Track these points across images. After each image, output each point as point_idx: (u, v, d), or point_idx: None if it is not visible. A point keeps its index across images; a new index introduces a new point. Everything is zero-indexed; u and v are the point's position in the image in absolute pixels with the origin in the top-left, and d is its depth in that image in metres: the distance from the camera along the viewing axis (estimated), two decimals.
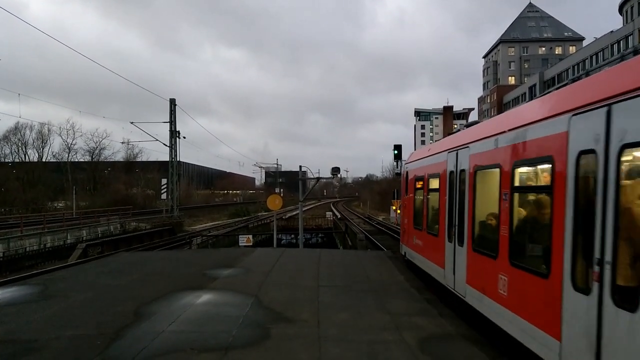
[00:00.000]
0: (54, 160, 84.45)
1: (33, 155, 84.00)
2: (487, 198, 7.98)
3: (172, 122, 48.53)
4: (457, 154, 9.90)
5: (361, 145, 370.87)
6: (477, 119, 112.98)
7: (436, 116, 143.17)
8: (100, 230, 39.11)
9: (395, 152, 24.56)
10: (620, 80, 4.79)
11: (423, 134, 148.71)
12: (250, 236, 27.57)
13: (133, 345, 7.11)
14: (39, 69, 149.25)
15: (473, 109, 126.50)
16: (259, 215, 67.09)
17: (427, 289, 11.41)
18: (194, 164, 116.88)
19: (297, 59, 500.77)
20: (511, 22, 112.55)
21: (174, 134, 48.97)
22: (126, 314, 8.94)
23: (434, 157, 12.04)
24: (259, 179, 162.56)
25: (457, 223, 9.58)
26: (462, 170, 9.44)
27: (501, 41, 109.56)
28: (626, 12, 67.47)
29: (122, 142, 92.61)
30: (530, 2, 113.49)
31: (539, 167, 6.41)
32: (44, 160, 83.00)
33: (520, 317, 6.45)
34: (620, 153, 4.52)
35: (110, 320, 8.46)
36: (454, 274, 9.63)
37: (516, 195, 6.94)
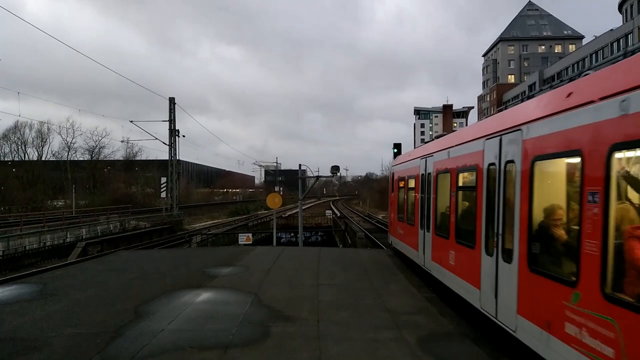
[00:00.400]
0: (54, 159, 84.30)
1: (32, 154, 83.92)
2: (444, 195, 10.63)
3: (172, 120, 48.44)
4: (426, 160, 12.59)
5: (361, 144, 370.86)
6: (476, 117, 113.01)
7: (436, 115, 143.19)
8: (100, 228, 39.10)
9: (395, 150, 24.52)
10: (506, 120, 7.53)
11: (423, 133, 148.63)
12: (250, 235, 27.50)
13: (133, 343, 7.11)
14: (37, 68, 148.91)
15: (472, 107, 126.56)
16: (258, 213, 67.13)
17: (428, 287, 11.42)
18: (194, 163, 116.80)
19: (296, 57, 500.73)
20: (511, 20, 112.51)
21: (173, 132, 48.88)
22: (126, 312, 8.95)
23: (412, 161, 14.55)
24: (259, 177, 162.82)
25: (426, 214, 12.26)
26: (429, 174, 12.13)
27: (501, 39, 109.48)
28: (626, 10, 67.42)
29: (122, 141, 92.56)
30: (530, 1, 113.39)
31: (470, 173, 9.02)
32: (43, 159, 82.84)
33: (461, 278, 9.14)
34: (505, 166, 7.18)
35: (110, 319, 8.46)
36: (424, 254, 12.29)
37: (459, 192, 9.67)
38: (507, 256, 6.83)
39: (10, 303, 9.86)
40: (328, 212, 54.31)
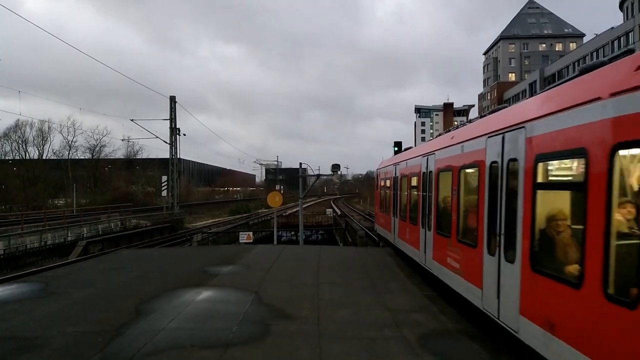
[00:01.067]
0: (55, 158, 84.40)
1: (33, 153, 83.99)
2: (405, 191, 15.56)
3: (173, 119, 48.38)
4: (395, 167, 17.74)
5: (361, 142, 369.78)
6: (477, 115, 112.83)
7: (436, 113, 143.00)
8: (101, 227, 39.13)
9: (396, 149, 24.54)
10: (431, 146, 12.44)
11: (423, 131, 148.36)
12: (251, 233, 27.53)
13: (134, 342, 7.13)
14: (36, 66, 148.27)
15: (473, 105, 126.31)
16: (259, 212, 67.09)
17: (428, 286, 11.44)
18: (194, 161, 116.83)
19: (296, 56, 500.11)
20: (511, 18, 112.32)
21: (174, 131, 48.84)
22: (127, 310, 8.97)
23: (388, 167, 19.83)
24: (259, 176, 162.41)
25: (397, 206, 17.03)
26: (397, 176, 17.24)
27: (501, 38, 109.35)
28: (627, 8, 67.26)
29: (123, 140, 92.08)
30: None
31: (416, 177, 13.68)
32: (44, 157, 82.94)
33: (411, 246, 13.93)
34: (429, 173, 11.97)
35: (111, 317, 8.49)
36: (394, 234, 17.38)
37: (412, 190, 14.41)
38: (429, 227, 11.67)
39: (12, 302, 9.90)
40: (328, 211, 54.27)
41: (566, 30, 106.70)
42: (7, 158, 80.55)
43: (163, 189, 52.09)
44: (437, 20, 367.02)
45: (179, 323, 8.16)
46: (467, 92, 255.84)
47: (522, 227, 6.30)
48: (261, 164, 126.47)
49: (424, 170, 12.52)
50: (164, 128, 49.02)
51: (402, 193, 15.91)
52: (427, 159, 12.17)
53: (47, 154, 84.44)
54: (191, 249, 24.61)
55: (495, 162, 7.38)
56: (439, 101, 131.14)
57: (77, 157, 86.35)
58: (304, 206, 32.22)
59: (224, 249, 22.64)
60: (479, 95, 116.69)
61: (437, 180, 11.14)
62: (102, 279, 12.42)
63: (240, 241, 26.25)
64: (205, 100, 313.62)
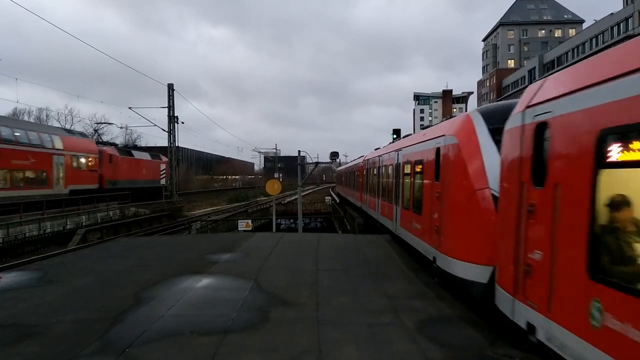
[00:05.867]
0: None
1: None
2: (347, 178, 39.56)
3: (171, 107, 48.16)
4: (347, 168, 39.12)
5: (359, 129, 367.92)
6: (476, 103, 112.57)
7: (435, 100, 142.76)
8: (100, 215, 39.02)
9: (394, 136, 24.60)
10: (373, 155, 25.45)
11: (422, 118, 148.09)
12: (250, 221, 27.59)
13: (133, 329, 7.16)
14: (21, 51, 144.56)
15: (472, 92, 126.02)
16: (258, 200, 67.17)
17: (425, 272, 11.48)
18: (193, 149, 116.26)
19: (287, 39, 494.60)
20: (510, 4, 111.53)
21: (173, 119, 48.67)
22: (126, 298, 9.00)
23: (344, 168, 45.82)
24: (258, 164, 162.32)
25: (345, 183, 39.30)
26: (343, 173, 45.94)
27: (500, 24, 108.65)
28: None
29: (121, 127, 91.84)
30: None
31: (357, 173, 30.20)
32: None
33: (351, 197, 35.68)
34: (366, 171, 26.67)
35: (110, 305, 8.51)
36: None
37: (351, 177, 34.42)
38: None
39: (11, 290, 9.91)
40: (327, 199, 54.35)
41: (565, 16, 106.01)
42: None
43: (162, 177, 52.04)
44: (432, 2, 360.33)
45: (178, 310, 8.20)
46: (465, 76, 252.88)
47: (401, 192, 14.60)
48: (260, 152, 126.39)
49: (346, 172, 28.25)
50: (160, 115, 48.90)
51: (339, 179, 38.42)
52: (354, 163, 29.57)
53: None
54: (190, 237, 24.66)
55: (398, 162, 15.45)
56: (436, 87, 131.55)
57: None
58: (302, 194, 32.26)
59: (223, 236, 22.66)
60: (478, 82, 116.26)
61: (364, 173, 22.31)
62: (101, 267, 12.43)
63: (239, 229, 26.34)
64: (197, 86, 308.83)
